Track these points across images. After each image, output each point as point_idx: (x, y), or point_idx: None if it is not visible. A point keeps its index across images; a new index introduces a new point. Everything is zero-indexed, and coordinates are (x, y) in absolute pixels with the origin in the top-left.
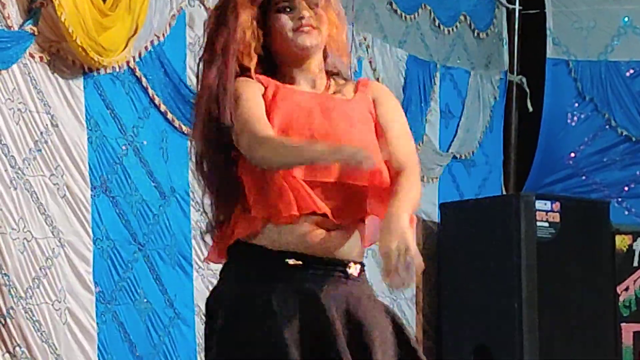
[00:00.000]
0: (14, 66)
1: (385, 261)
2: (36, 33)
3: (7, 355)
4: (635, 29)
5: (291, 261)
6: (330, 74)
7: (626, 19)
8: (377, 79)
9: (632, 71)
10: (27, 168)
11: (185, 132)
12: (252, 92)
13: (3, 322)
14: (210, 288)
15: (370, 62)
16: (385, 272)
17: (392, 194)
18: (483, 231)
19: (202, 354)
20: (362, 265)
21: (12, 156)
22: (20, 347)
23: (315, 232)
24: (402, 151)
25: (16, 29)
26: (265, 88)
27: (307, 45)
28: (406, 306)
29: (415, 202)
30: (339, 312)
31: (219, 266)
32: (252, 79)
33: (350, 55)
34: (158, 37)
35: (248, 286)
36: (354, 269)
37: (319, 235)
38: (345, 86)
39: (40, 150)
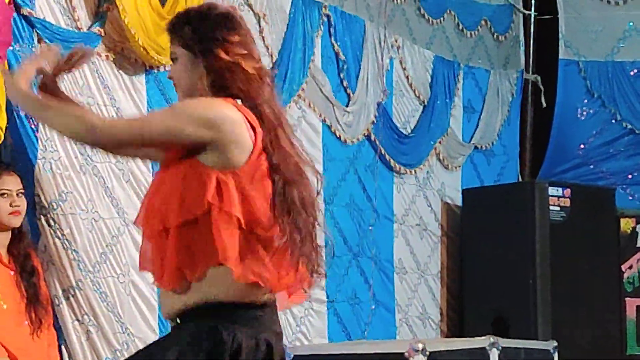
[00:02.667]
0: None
1: None
2: (103, 34)
3: (76, 322)
4: (639, 32)
5: None
6: None
7: (631, 23)
8: (407, 77)
9: (635, 70)
10: (95, 155)
11: None
12: None
13: (73, 293)
14: None
15: (400, 61)
16: None
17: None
18: (501, 214)
19: None
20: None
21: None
22: (88, 316)
23: None
24: None
25: (85, 30)
26: None
27: None
28: (432, 281)
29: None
30: None
31: None
32: None
33: (382, 55)
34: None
35: None
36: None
37: None
38: None
39: None
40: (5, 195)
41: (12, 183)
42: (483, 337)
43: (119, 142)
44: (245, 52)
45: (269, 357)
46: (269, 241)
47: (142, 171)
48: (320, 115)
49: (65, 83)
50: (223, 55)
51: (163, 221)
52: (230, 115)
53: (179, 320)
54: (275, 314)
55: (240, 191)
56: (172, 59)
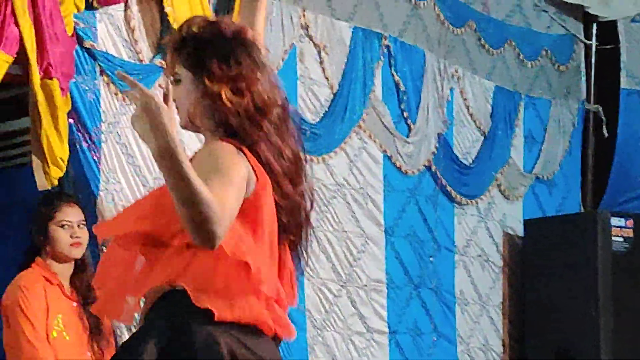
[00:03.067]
0: None
1: None
2: (164, 66)
3: None
4: None
5: None
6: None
7: None
8: (467, 108)
9: None
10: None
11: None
12: None
13: (135, 325)
14: None
15: (461, 92)
16: None
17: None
18: (563, 245)
19: None
20: None
21: (144, 175)
22: None
23: None
24: None
25: (147, 62)
26: None
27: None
28: (494, 312)
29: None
30: None
31: None
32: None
33: (442, 85)
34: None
35: None
36: None
37: None
38: None
39: None
40: (66, 227)
41: (73, 214)
42: None
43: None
44: (240, 82)
45: None
46: None
47: None
48: (380, 146)
49: (127, 115)
50: (208, 82)
51: None
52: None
53: None
54: None
55: None
56: (174, 80)
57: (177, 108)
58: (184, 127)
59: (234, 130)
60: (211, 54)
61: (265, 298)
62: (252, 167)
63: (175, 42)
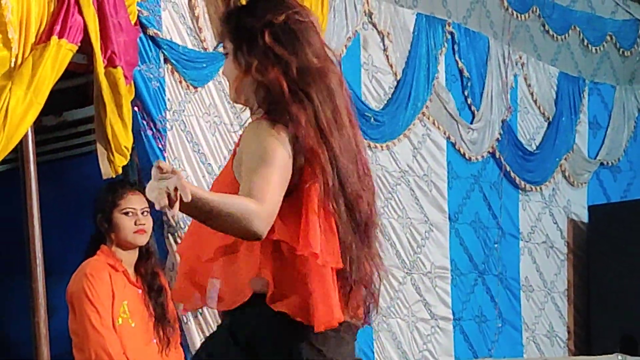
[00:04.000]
0: (209, 84)
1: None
2: None
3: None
4: None
5: None
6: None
7: None
8: (532, 94)
9: None
10: None
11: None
12: None
13: (201, 311)
14: None
15: (525, 78)
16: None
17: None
18: (628, 231)
19: None
20: None
21: (209, 163)
22: None
23: None
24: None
25: (211, 50)
26: None
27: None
28: (559, 299)
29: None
30: None
31: None
32: None
33: (506, 72)
34: (336, 57)
35: None
36: None
37: None
38: None
39: None
40: (130, 214)
41: (138, 202)
42: (611, 355)
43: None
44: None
45: None
46: None
47: None
48: (444, 133)
49: (192, 103)
50: (240, 55)
51: None
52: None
53: None
54: None
55: None
56: (225, 54)
57: (228, 82)
58: (234, 100)
59: (274, 108)
60: (248, 27)
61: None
62: (293, 145)
63: (224, 14)
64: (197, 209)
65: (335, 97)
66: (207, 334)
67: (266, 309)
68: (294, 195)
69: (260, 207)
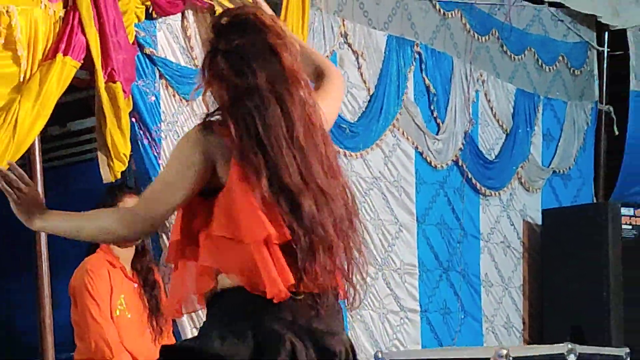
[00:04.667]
0: (201, 98)
1: None
2: None
3: (194, 330)
4: None
5: None
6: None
7: None
8: (491, 108)
9: None
10: None
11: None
12: None
13: None
14: None
15: (485, 94)
16: None
17: None
18: (578, 232)
19: None
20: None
21: None
22: None
23: None
24: None
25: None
26: None
27: None
28: (515, 293)
29: None
30: None
31: None
32: None
33: (468, 88)
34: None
35: None
36: None
37: None
38: None
39: None
40: None
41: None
42: (561, 344)
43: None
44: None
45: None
46: None
47: None
48: (413, 143)
49: (184, 115)
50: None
51: None
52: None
53: None
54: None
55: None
56: None
57: None
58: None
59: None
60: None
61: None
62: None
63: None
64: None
65: (290, 114)
66: (197, 324)
67: (231, 293)
68: (225, 192)
69: (132, 213)
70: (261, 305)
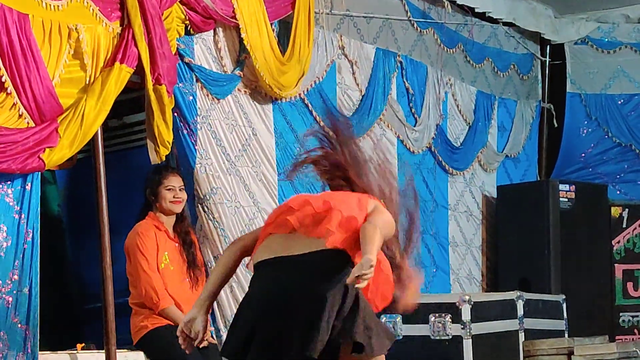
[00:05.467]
0: (229, 97)
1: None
2: (242, 75)
3: None
4: (624, 73)
5: None
6: None
7: (619, 67)
8: (457, 106)
9: (622, 101)
10: (237, 161)
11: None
12: None
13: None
14: None
15: (452, 94)
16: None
17: None
18: (525, 204)
19: None
20: None
21: (228, 154)
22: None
23: None
24: None
25: (229, 72)
26: None
27: None
28: (476, 252)
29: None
30: None
31: None
32: None
33: (439, 90)
34: (318, 79)
35: None
36: None
37: None
38: None
39: (245, 150)
40: (171, 189)
41: (176, 181)
42: (512, 292)
43: None
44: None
45: None
46: None
47: (270, 173)
48: (395, 133)
49: (216, 111)
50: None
51: None
52: None
53: None
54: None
55: None
56: None
57: None
58: None
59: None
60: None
61: None
62: None
63: None
64: None
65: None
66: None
67: None
68: None
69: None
70: None
